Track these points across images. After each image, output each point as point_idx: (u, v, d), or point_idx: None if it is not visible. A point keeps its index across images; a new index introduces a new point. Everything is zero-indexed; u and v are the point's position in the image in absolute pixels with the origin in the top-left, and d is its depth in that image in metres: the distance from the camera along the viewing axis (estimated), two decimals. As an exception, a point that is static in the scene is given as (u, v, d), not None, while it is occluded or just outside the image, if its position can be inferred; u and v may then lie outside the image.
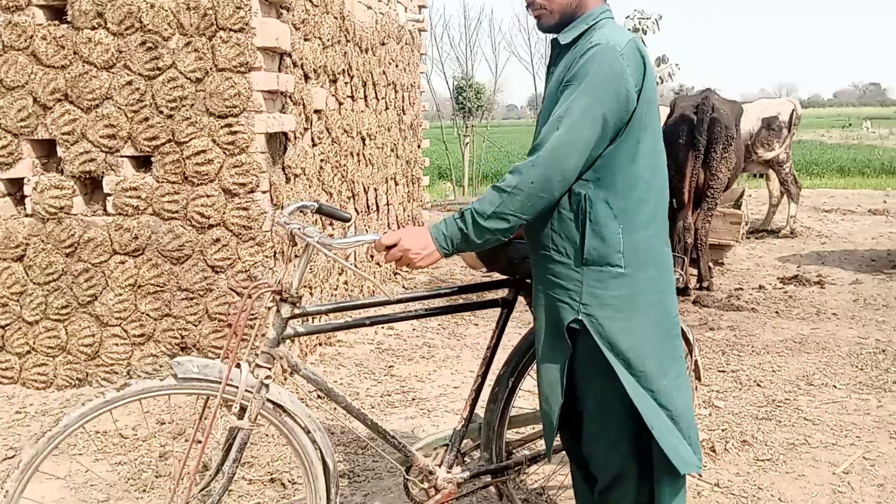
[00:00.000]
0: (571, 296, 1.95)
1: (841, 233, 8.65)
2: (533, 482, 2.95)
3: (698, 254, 6.11)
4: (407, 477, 2.37)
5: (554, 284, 1.99)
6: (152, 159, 3.94)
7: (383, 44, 6.23)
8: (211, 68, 3.82)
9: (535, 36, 17.80)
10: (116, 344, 4.07)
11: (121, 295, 4.03)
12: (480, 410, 2.45)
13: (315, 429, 2.17)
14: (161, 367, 4.03)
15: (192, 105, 3.86)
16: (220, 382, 2.07)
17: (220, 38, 3.78)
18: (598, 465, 2.04)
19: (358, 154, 5.61)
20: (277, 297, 2.13)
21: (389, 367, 4.54)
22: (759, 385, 4.06)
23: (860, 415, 3.59)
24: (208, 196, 3.90)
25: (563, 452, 2.58)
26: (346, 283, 5.35)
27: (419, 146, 7.86)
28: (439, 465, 2.37)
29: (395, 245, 1.95)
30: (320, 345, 4.82)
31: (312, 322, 2.32)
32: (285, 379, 3.96)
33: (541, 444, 2.57)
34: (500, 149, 19.03)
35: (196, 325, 4.02)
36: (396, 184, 6.85)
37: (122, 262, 4.00)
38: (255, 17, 3.78)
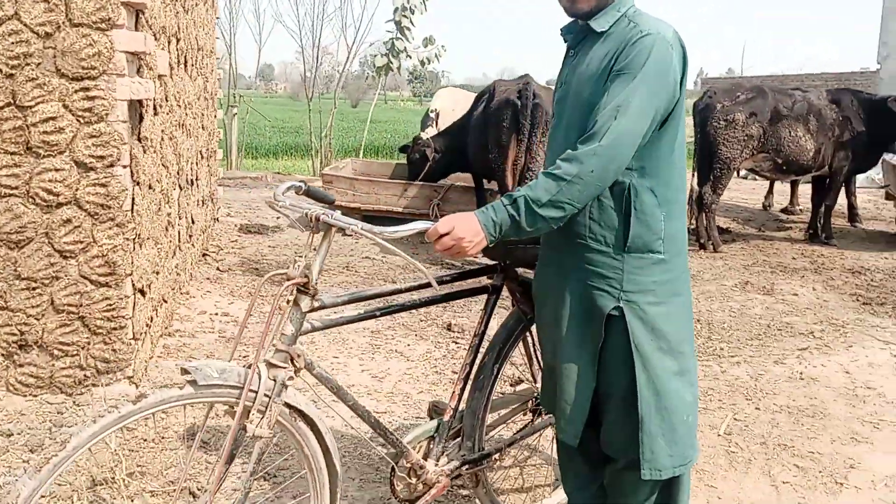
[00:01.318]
0: (611, 283, 2.05)
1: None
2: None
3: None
4: (394, 474, 2.33)
5: (591, 273, 2.07)
6: (-15, 125, 3.40)
7: (197, 4, 5.82)
8: (64, 22, 3.37)
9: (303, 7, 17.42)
10: (-66, 345, 3.47)
11: (-59, 286, 3.44)
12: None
13: (326, 432, 2.07)
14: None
15: (40, 64, 3.39)
16: (240, 388, 1.90)
17: (78, -13, 3.34)
18: (619, 447, 2.14)
19: (183, 125, 5.21)
20: (296, 290, 1.99)
21: (244, 356, 4.33)
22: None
23: (710, 380, 4.09)
24: (57, 170, 3.45)
25: (525, 438, 2.70)
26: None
27: (216, 117, 7.45)
28: (426, 459, 2.35)
29: (448, 233, 1.91)
30: (161, 336, 4.46)
31: (327, 316, 2.18)
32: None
33: (514, 428, 2.64)
34: (269, 122, 18.44)
35: (39, 319, 3.56)
36: (203, 157, 6.45)
37: (-56, 247, 3.42)
38: (121, -34, 3.39)
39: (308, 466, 2.09)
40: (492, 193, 7.26)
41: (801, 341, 4.73)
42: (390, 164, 9.21)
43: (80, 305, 3.56)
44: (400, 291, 2.29)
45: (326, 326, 2.16)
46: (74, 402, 3.58)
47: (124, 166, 3.56)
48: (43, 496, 1.77)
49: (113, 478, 2.97)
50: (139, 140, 3.77)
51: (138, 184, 3.71)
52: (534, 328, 2.57)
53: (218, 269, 6.09)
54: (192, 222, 5.75)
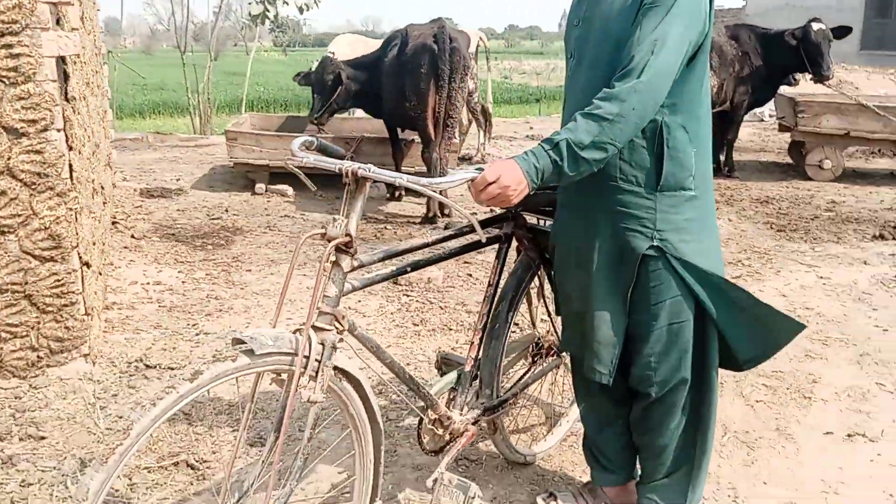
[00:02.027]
0: (644, 223, 2.11)
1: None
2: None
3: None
4: (422, 427, 2.36)
5: (622, 215, 2.12)
6: None
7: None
8: (-20, -28, 3.09)
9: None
10: None
11: None
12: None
13: (370, 392, 2.07)
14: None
15: (-42, 20, 3.10)
16: (293, 354, 1.86)
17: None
18: (655, 382, 2.23)
19: (88, 83, 4.90)
20: (336, 250, 1.95)
21: (193, 324, 4.20)
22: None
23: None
24: (-13, 138, 3.20)
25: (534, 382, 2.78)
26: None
27: (105, 75, 7.04)
28: (451, 410, 2.39)
29: (494, 182, 1.90)
30: (107, 308, 4.26)
31: (363, 274, 2.15)
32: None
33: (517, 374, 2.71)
34: (144, 79, 17.46)
35: (-22, 301, 3.32)
36: (101, 118, 6.10)
37: None
38: None
39: (353, 426, 2.09)
40: (406, 143, 7.22)
41: (733, 270, 5.03)
42: (292, 118, 8.97)
43: (26, 283, 3.36)
44: (427, 245, 2.29)
45: (364, 285, 2.13)
46: (31, 385, 3.39)
47: (58, 130, 3.35)
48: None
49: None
50: (67, 101, 3.54)
51: (72, 149, 3.49)
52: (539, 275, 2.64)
53: (133, 236, 5.83)
54: (102, 188, 5.45)
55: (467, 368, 2.44)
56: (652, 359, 2.21)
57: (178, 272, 5.09)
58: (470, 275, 5.08)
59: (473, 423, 2.45)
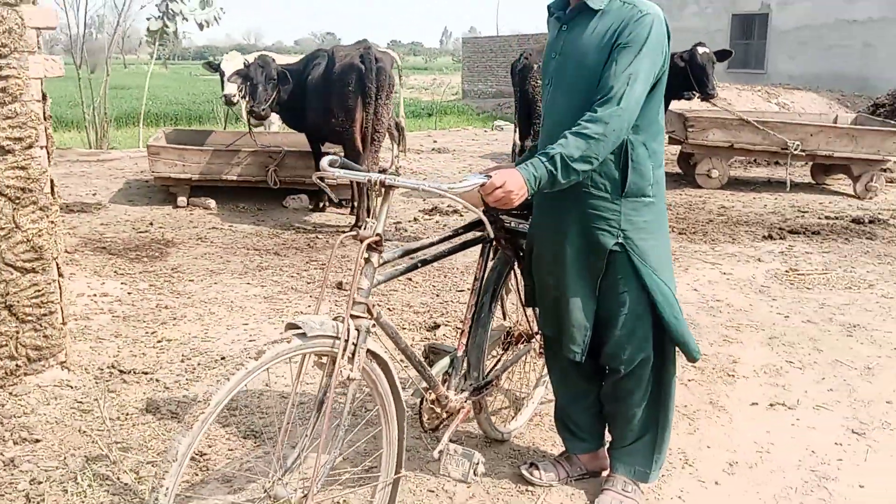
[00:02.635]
0: (611, 224, 2.53)
1: (430, 170, 10.14)
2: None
3: (361, 197, 6.79)
4: (423, 406, 2.68)
5: (593, 216, 2.53)
6: None
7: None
8: (-29, -3, 3.22)
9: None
10: None
11: None
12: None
13: (396, 372, 2.38)
14: None
15: (-53, 41, 3.21)
16: (336, 337, 2.16)
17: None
18: (623, 359, 2.63)
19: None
20: (367, 247, 2.25)
21: (152, 332, 4.36)
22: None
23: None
24: (-27, 154, 3.31)
25: (512, 365, 3.13)
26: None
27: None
28: (448, 391, 2.72)
29: (500, 187, 2.26)
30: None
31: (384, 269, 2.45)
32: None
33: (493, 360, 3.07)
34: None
35: (-39, 313, 3.40)
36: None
37: None
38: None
39: (380, 404, 2.38)
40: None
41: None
42: (205, 132, 9.04)
43: (7, 294, 3.46)
44: (434, 243, 2.62)
45: (387, 279, 2.44)
46: (11, 392, 3.49)
47: (42, 147, 3.49)
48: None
49: (107, 454, 3.03)
50: (45, 119, 3.66)
51: (51, 164, 3.62)
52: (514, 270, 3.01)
53: (66, 251, 5.83)
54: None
55: (459, 353, 2.78)
56: (621, 339, 2.62)
57: (122, 284, 5.18)
58: (410, 279, 5.41)
59: (465, 402, 2.80)
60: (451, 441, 2.66)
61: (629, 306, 2.59)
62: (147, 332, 4.37)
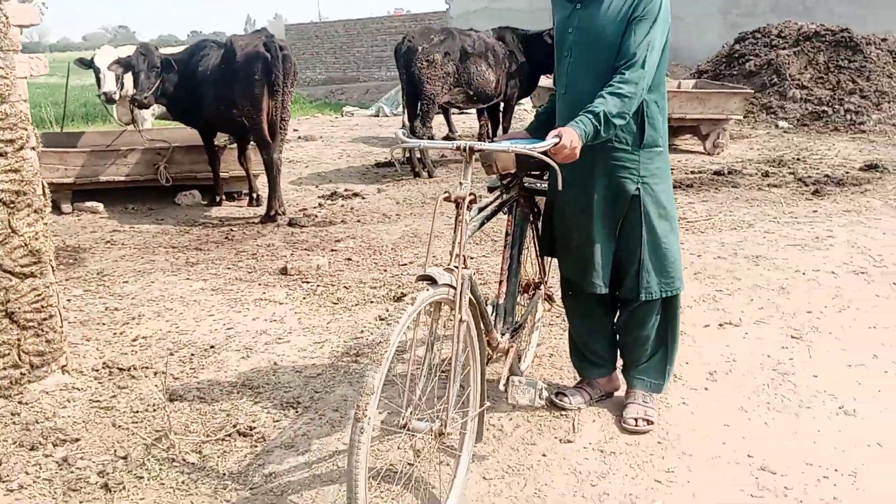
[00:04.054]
0: (632, 172, 3.00)
1: (307, 158, 10.27)
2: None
3: (272, 185, 6.91)
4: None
5: (617, 167, 2.99)
6: None
7: None
8: (-45, -2, 3.19)
9: None
10: None
11: None
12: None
13: (484, 314, 2.75)
14: None
15: (-65, 44, 3.17)
16: (452, 286, 2.49)
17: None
18: (639, 290, 3.10)
19: None
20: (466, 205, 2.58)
21: (121, 333, 4.41)
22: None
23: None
24: (-34, 159, 3.28)
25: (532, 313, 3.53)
26: None
27: None
28: (500, 335, 3.09)
29: (569, 144, 2.66)
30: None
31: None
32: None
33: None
34: None
35: (-37, 323, 3.37)
36: None
37: None
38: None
39: (471, 346, 2.72)
40: (219, 149, 7.49)
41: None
42: (77, 134, 8.72)
43: (7, 301, 3.45)
44: (489, 205, 2.98)
45: (471, 234, 2.75)
46: (19, 401, 3.49)
47: (32, 149, 3.49)
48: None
49: (167, 435, 3.17)
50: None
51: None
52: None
53: None
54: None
55: (500, 301, 3.15)
56: (639, 272, 3.09)
57: (57, 292, 5.09)
58: (350, 259, 5.67)
59: (511, 342, 3.18)
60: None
61: (650, 238, 3.06)
62: (115, 334, 4.40)
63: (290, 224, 6.73)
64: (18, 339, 3.50)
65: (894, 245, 5.53)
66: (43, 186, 3.55)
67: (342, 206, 7.50)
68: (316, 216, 7.03)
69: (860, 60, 11.88)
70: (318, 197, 7.88)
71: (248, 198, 7.64)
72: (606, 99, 2.77)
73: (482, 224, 2.96)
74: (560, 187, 2.68)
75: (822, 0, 15.87)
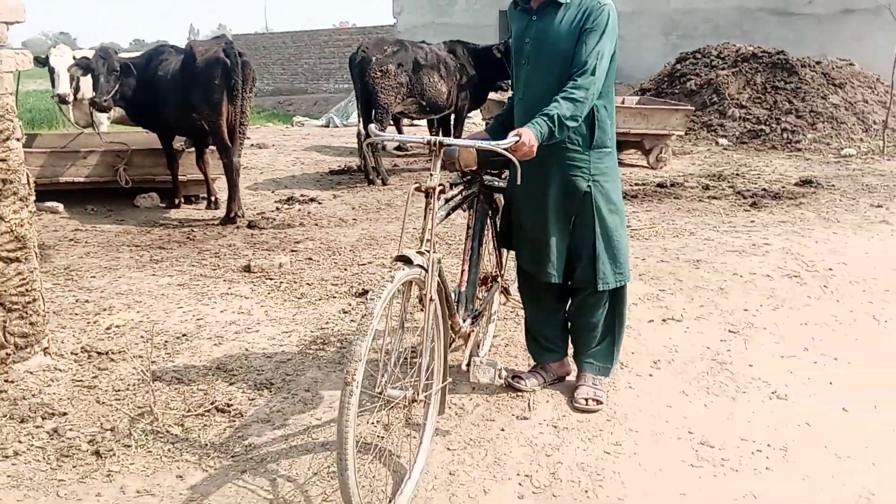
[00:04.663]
0: (583, 171, 3.34)
1: (262, 165, 10.47)
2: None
3: (232, 188, 7.13)
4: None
5: (570, 166, 3.33)
6: None
7: None
8: (-48, -5, 3.40)
9: None
10: None
11: None
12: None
13: (450, 295, 3.05)
14: None
15: (-67, 39, 3.37)
16: (424, 269, 2.79)
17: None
18: (591, 280, 3.45)
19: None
20: (436, 194, 2.89)
21: (94, 322, 4.59)
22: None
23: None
24: (-41, 148, 3.48)
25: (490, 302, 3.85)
26: None
27: None
28: (462, 320, 3.39)
29: (527, 142, 2.98)
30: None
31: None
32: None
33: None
34: None
35: (-49, 306, 3.55)
36: None
37: None
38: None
39: (436, 324, 3.02)
40: (178, 152, 7.67)
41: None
42: (31, 136, 8.78)
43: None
44: (454, 197, 3.28)
45: (439, 222, 3.05)
46: (6, 380, 3.67)
47: (18, 139, 3.69)
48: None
49: (151, 410, 3.39)
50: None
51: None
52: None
53: None
54: None
55: (462, 289, 3.45)
56: (591, 263, 3.43)
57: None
58: (310, 259, 5.93)
59: (471, 328, 3.49)
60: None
61: (596, 235, 3.41)
62: (89, 322, 4.59)
63: (250, 226, 6.96)
64: (4, 321, 3.69)
65: (825, 252, 6.01)
66: (27, 176, 3.75)
67: (299, 210, 7.75)
68: (274, 219, 7.26)
69: (796, 82, 12.57)
70: (275, 202, 8.11)
71: (206, 201, 7.84)
72: (560, 103, 3.11)
73: (448, 214, 3.27)
74: (519, 181, 3.01)
75: (760, 24, 16.70)
